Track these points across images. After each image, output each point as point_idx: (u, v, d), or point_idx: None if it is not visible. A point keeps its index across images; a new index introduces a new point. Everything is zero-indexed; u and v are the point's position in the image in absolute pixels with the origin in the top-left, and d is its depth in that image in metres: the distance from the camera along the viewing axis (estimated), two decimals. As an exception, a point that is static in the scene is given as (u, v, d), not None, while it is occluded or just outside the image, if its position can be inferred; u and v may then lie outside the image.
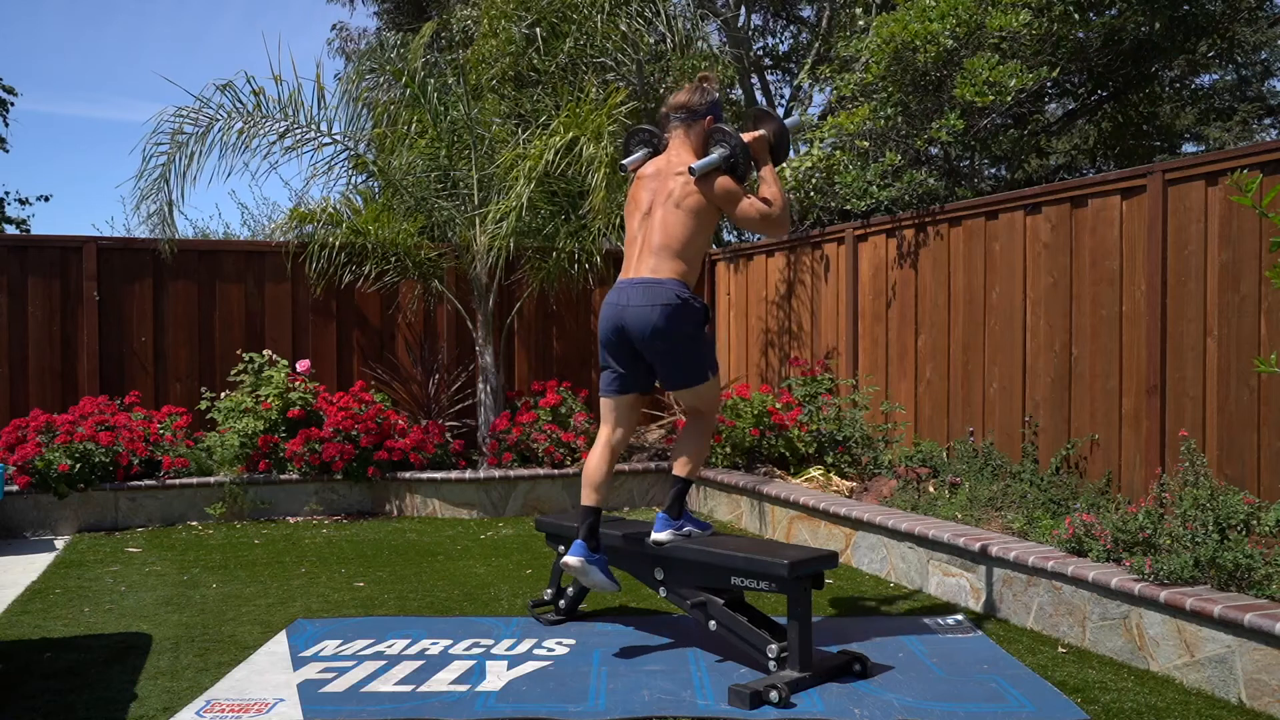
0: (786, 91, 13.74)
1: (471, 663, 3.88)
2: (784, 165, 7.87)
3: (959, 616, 4.53)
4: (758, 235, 8.53)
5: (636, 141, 4.33)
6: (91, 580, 5.26)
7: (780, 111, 12.88)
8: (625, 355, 4.04)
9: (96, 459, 6.61)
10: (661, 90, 8.95)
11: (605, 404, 4.14)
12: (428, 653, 4.01)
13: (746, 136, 4.08)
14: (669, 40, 8.27)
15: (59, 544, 6.25)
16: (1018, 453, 5.70)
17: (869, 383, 6.93)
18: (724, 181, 3.97)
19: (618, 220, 7.38)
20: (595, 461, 4.08)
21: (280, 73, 7.83)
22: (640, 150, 4.29)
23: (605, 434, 4.13)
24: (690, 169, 3.95)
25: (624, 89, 7.54)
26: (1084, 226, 5.34)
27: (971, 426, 6.05)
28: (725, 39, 10.44)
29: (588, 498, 4.07)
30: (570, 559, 3.96)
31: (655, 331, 3.89)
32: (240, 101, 7.15)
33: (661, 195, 4.02)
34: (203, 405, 7.70)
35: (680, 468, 4.16)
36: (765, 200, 4.02)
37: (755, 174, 4.16)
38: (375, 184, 9.06)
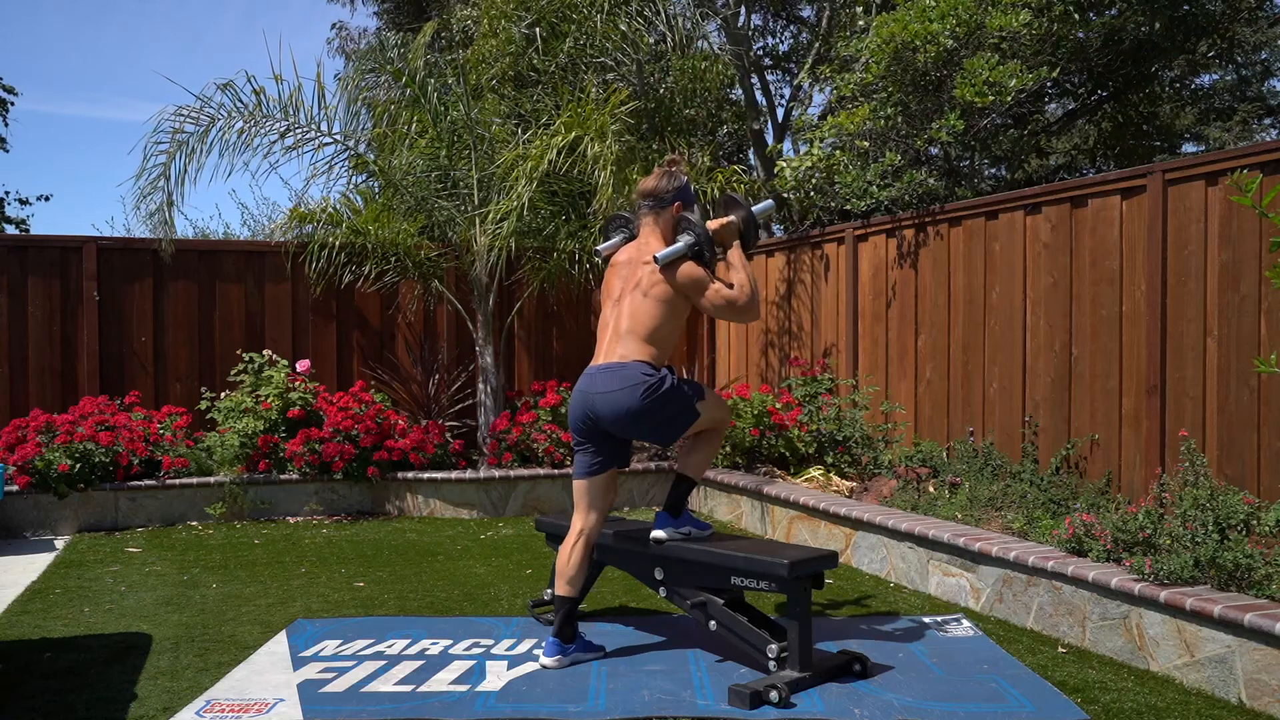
0: (786, 91, 13.74)
1: (471, 663, 3.88)
2: (784, 165, 7.87)
3: (959, 616, 4.53)
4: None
5: (614, 228, 4.33)
6: (91, 580, 5.26)
7: (780, 113, 12.88)
8: (598, 437, 3.97)
9: (96, 459, 6.61)
10: (661, 90, 8.95)
11: (580, 487, 4.00)
12: (428, 653, 4.01)
13: (713, 224, 4.06)
14: (669, 40, 8.27)
15: (59, 544, 6.25)
16: (1018, 453, 5.70)
17: (869, 383, 6.93)
18: (689, 269, 3.94)
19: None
20: (568, 555, 3.94)
21: (281, 72, 7.86)
22: (617, 235, 4.28)
23: (579, 525, 3.98)
24: (655, 258, 3.93)
25: (625, 89, 7.54)
26: (1084, 226, 5.34)
27: (971, 426, 6.05)
28: (725, 39, 10.44)
29: (562, 589, 3.93)
30: (546, 660, 3.85)
31: (628, 414, 3.84)
32: (241, 101, 7.15)
33: (630, 283, 4.01)
34: (203, 405, 7.69)
35: (687, 468, 4.15)
36: (732, 287, 3.98)
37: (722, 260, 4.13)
38: (375, 184, 9.06)
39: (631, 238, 4.21)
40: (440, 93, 7.77)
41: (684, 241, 3.98)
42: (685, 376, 4.04)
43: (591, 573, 4.44)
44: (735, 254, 4.08)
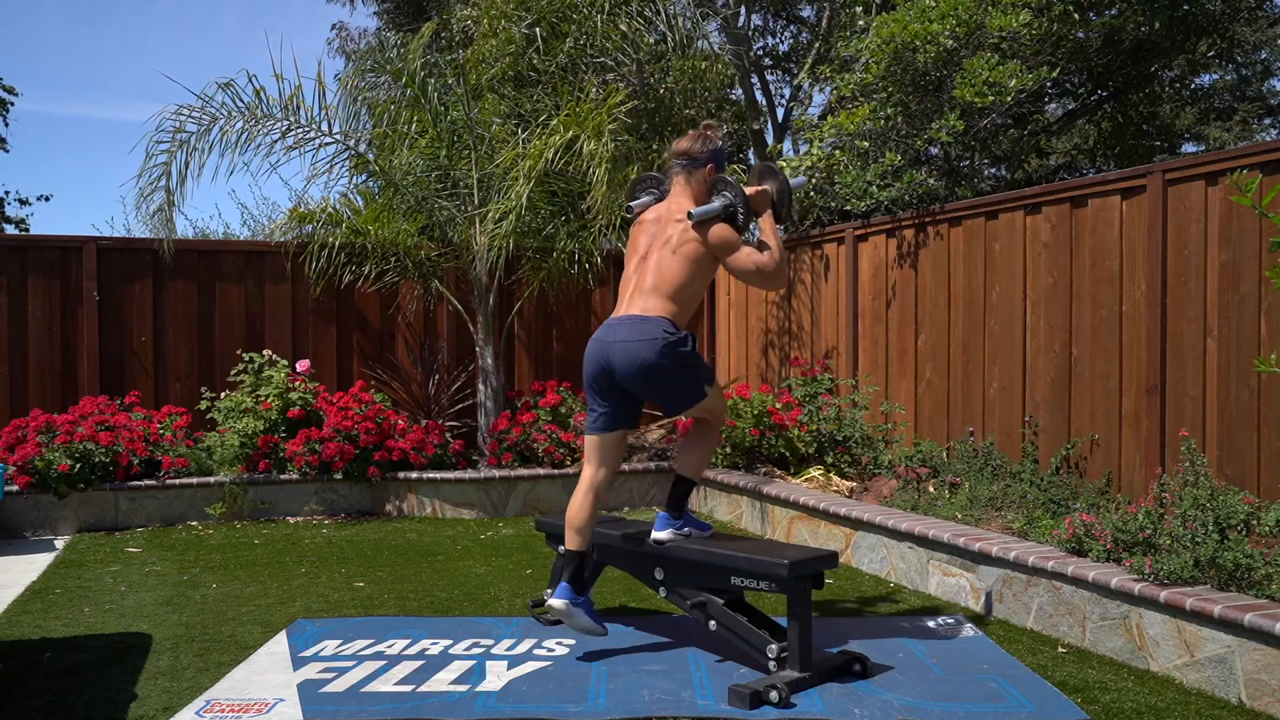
0: (786, 91, 13.75)
1: (471, 663, 3.88)
2: (784, 165, 7.87)
3: (959, 616, 4.53)
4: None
5: (642, 188, 4.34)
6: (91, 580, 5.26)
7: (780, 113, 12.88)
8: (612, 392, 3.97)
9: (96, 459, 6.61)
10: (661, 90, 8.95)
11: (590, 442, 4.04)
12: (428, 653, 4.01)
13: (749, 190, 4.08)
14: (669, 40, 8.27)
15: (59, 544, 6.25)
16: (1018, 453, 5.70)
17: (869, 383, 6.93)
18: (721, 230, 3.96)
19: (618, 220, 7.38)
20: (578, 504, 3.98)
21: (281, 71, 7.82)
22: (646, 195, 4.29)
23: (589, 475, 4.01)
24: (689, 214, 3.94)
25: (624, 89, 7.54)
26: (1084, 226, 5.34)
27: (971, 426, 6.05)
28: (725, 39, 10.44)
29: (571, 541, 3.97)
30: (555, 601, 3.90)
31: (643, 368, 3.84)
32: (241, 100, 7.15)
33: (659, 240, 4.02)
34: (203, 405, 7.69)
35: (685, 469, 4.16)
36: (762, 251, 3.99)
37: (755, 227, 4.15)
38: (375, 184, 9.06)
39: (661, 198, 4.21)
40: (440, 93, 7.77)
41: (719, 202, 3.99)
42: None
43: (592, 572, 4.45)
44: (766, 221, 4.10)
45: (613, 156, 6.89)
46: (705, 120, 4.46)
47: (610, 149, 6.87)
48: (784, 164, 7.88)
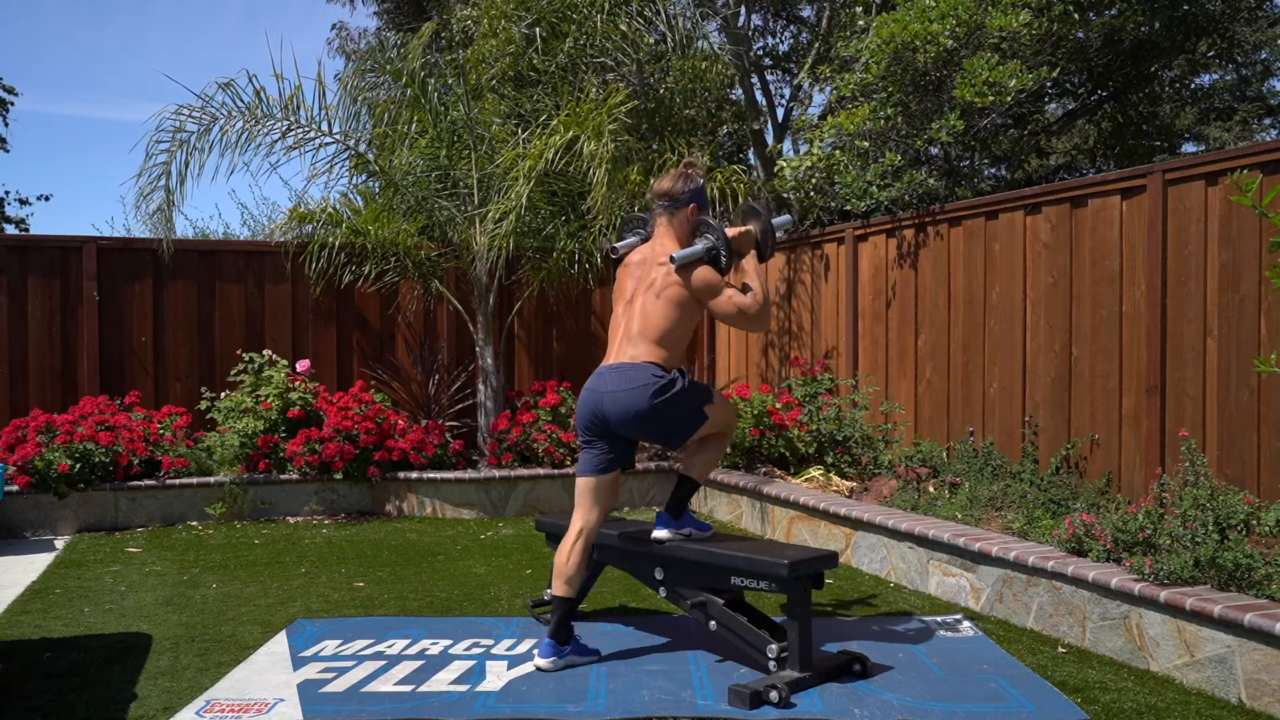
0: (786, 91, 13.75)
1: (471, 663, 3.88)
2: (784, 165, 7.87)
3: (959, 616, 4.53)
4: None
5: (629, 229, 4.34)
6: (91, 580, 5.26)
7: (780, 113, 12.88)
8: (607, 437, 3.96)
9: (96, 459, 6.61)
10: (661, 90, 8.94)
11: (584, 485, 3.98)
12: (428, 653, 4.01)
13: (732, 231, 4.06)
14: (669, 40, 8.27)
15: (59, 544, 6.25)
16: (1018, 453, 5.70)
17: (869, 383, 6.93)
18: (704, 273, 3.94)
19: (618, 220, 7.38)
20: (567, 554, 3.91)
21: (281, 71, 7.82)
22: (633, 236, 4.29)
23: (580, 523, 3.95)
24: (671, 258, 3.93)
25: (624, 89, 7.54)
26: (1084, 226, 5.34)
27: (971, 426, 6.05)
28: (725, 39, 10.44)
29: (560, 589, 3.91)
30: (541, 661, 3.83)
31: (637, 415, 3.84)
32: (241, 100, 7.16)
33: (644, 284, 4.01)
34: (203, 405, 7.69)
35: (690, 470, 4.15)
36: (745, 294, 3.99)
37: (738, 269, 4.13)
38: (375, 184, 9.06)
39: (647, 238, 4.21)
40: (440, 93, 7.77)
41: (702, 244, 3.98)
42: (694, 380, 4.04)
43: (592, 572, 4.45)
44: (750, 263, 4.09)
45: (613, 157, 6.90)
46: (686, 158, 4.44)
47: (610, 149, 6.88)
48: (782, 164, 7.87)
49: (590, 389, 3.97)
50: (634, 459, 4.15)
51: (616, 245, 4.29)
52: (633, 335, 3.96)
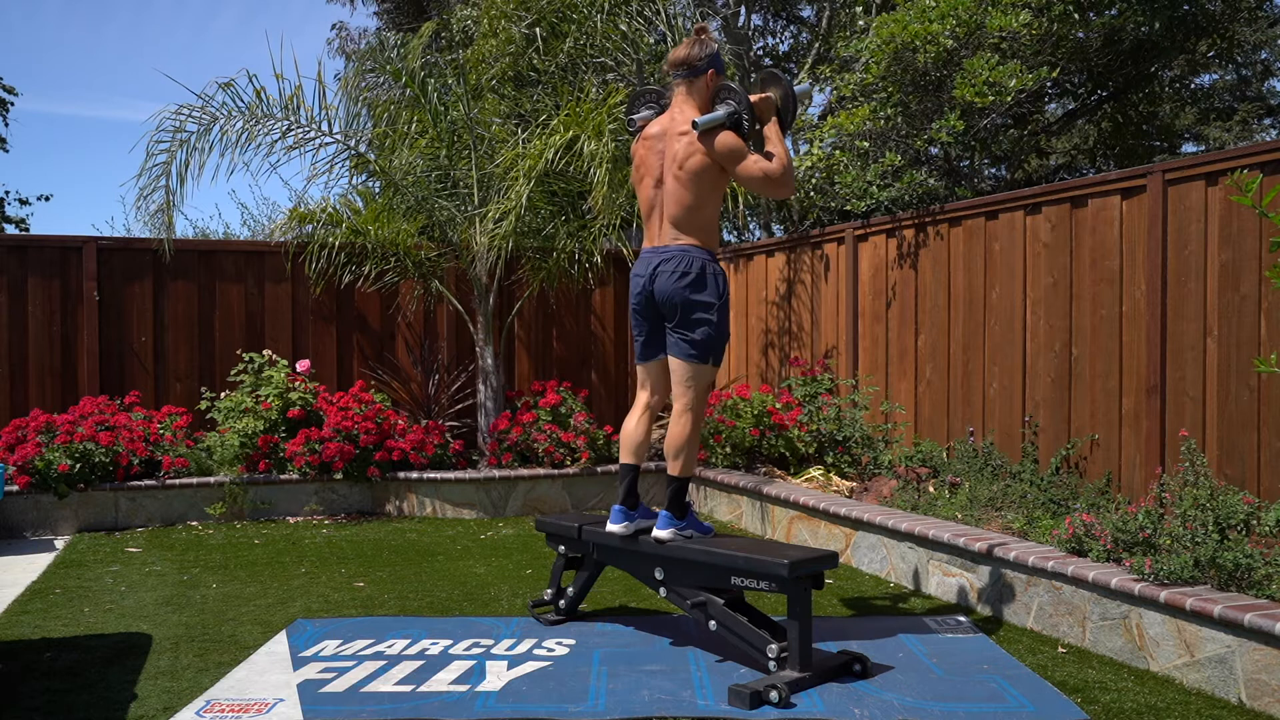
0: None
1: (471, 663, 3.88)
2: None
3: (959, 616, 4.53)
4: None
5: (643, 102, 4.30)
6: (91, 580, 5.26)
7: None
8: (655, 321, 4.16)
9: (96, 459, 6.61)
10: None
11: (641, 370, 4.31)
12: (428, 653, 4.01)
13: (753, 97, 4.03)
14: (669, 40, 8.26)
15: (59, 544, 6.25)
16: (1018, 453, 5.70)
17: (869, 383, 6.93)
18: (727, 138, 3.94)
19: (618, 220, 7.38)
20: (633, 425, 4.27)
21: (281, 71, 7.81)
22: (646, 109, 4.26)
23: (643, 399, 4.30)
24: (694, 123, 3.94)
25: (624, 89, 7.54)
26: (1084, 226, 5.34)
27: (971, 426, 6.05)
28: (725, 39, 10.44)
29: (626, 456, 4.26)
30: (613, 527, 4.14)
31: (681, 298, 3.99)
32: (241, 100, 7.15)
33: (668, 159, 4.05)
34: (203, 405, 7.70)
35: (675, 467, 4.16)
36: (769, 158, 4.00)
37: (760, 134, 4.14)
38: (375, 184, 9.05)
39: (662, 111, 4.21)
40: (440, 93, 7.77)
41: (724, 110, 3.96)
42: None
43: (591, 572, 4.45)
44: (772, 129, 4.08)
45: (613, 157, 6.89)
46: (697, 24, 4.42)
47: (611, 149, 6.87)
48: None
49: (639, 272, 4.14)
50: None
51: (632, 118, 4.27)
52: (672, 218, 4.07)
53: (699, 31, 4.17)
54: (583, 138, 6.99)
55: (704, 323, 4.03)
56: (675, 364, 4.12)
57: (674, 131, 4.03)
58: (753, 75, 11.13)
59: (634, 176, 4.22)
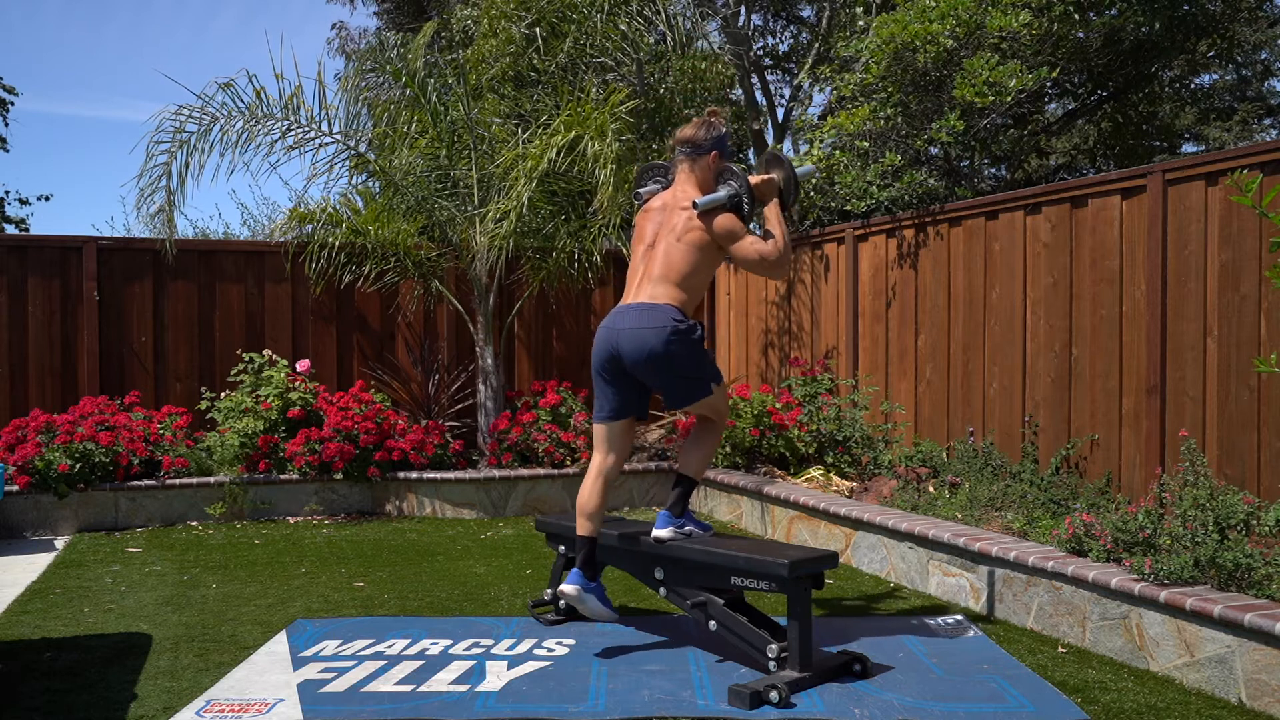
0: (786, 91, 13.75)
1: (471, 663, 3.88)
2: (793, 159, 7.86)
3: (959, 616, 4.53)
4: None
5: (649, 176, 4.38)
6: (91, 580, 5.26)
7: (780, 113, 12.88)
8: (619, 379, 4.02)
9: (96, 459, 6.61)
10: (661, 90, 8.94)
11: (599, 430, 4.11)
12: (428, 653, 4.01)
13: (755, 179, 4.10)
14: (669, 40, 8.27)
15: (59, 544, 6.25)
16: (1018, 453, 5.70)
17: (869, 383, 6.93)
18: (726, 220, 3.98)
19: (618, 219, 7.38)
20: (588, 491, 4.05)
21: (281, 71, 7.81)
22: (653, 183, 4.33)
23: (598, 462, 4.09)
24: (694, 203, 3.98)
25: (624, 88, 7.54)
26: (1084, 226, 5.34)
27: (971, 426, 6.05)
28: (725, 38, 10.44)
29: (583, 527, 4.05)
30: (567, 587, 3.97)
31: (651, 355, 3.88)
32: (241, 100, 7.15)
33: (666, 229, 4.05)
34: (203, 405, 7.69)
35: (686, 468, 4.16)
36: (767, 238, 4.03)
37: (760, 217, 4.18)
38: (375, 184, 9.06)
39: (667, 185, 4.23)
40: (440, 93, 7.77)
41: (725, 191, 4.01)
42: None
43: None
44: (773, 210, 4.11)
45: (618, 156, 6.89)
46: (709, 107, 4.47)
47: (615, 149, 6.87)
48: (792, 162, 7.88)
49: (607, 326, 4.01)
50: (647, 410, 4.18)
51: (639, 191, 4.31)
52: (654, 277, 3.99)
53: (710, 114, 4.22)
54: (586, 138, 6.99)
55: (686, 370, 3.96)
56: (686, 408, 4.13)
57: (675, 205, 4.07)
58: (753, 78, 11.13)
59: (632, 243, 4.23)
